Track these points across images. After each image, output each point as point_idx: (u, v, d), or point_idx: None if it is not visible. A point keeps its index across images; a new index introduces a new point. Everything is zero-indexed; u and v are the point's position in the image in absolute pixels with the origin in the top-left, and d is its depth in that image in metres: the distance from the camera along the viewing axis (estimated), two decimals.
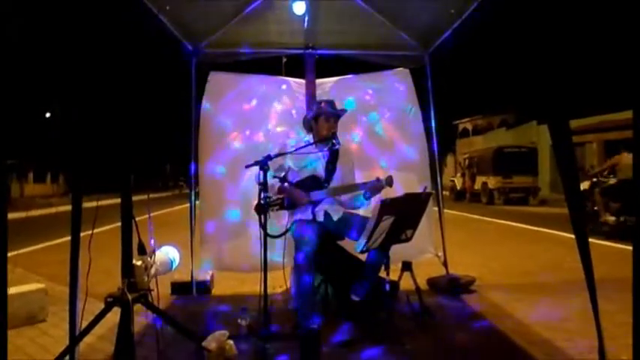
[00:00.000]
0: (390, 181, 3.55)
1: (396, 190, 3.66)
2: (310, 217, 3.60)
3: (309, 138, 3.83)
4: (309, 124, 3.89)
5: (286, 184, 3.65)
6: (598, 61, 22.88)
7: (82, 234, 2.69)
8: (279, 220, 3.74)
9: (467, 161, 24.75)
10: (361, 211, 3.77)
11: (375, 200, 3.49)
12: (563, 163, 2.72)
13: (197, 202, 4.77)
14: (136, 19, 2.92)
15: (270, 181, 3.38)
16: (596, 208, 9.04)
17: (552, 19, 2.62)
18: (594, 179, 9.40)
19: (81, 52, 2.78)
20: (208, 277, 4.89)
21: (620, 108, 20.41)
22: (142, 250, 2.70)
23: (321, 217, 3.63)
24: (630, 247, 6.97)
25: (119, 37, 2.77)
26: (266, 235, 3.15)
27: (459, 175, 25.90)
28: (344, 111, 3.88)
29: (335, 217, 3.68)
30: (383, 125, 4.90)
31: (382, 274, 3.47)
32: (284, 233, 3.56)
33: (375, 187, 3.55)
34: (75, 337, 2.64)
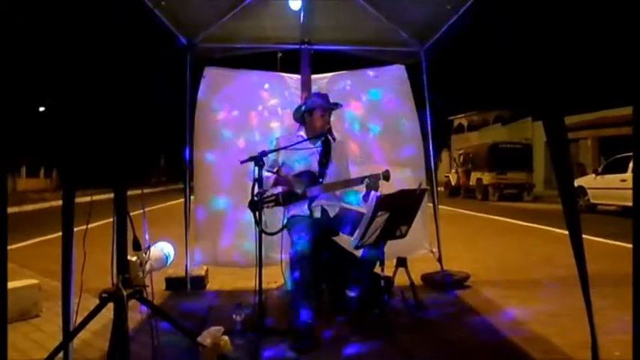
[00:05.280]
0: (387, 175, 3.56)
1: (391, 186, 3.66)
2: (307, 212, 3.57)
3: (302, 133, 3.81)
4: (302, 117, 3.84)
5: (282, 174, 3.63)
6: (593, 57, 22.93)
7: (75, 229, 2.67)
8: (275, 215, 3.73)
9: (462, 157, 24.80)
10: (357, 206, 3.76)
11: (371, 195, 3.49)
12: (557, 160, 2.73)
13: (192, 197, 4.76)
14: (131, 13, 2.90)
15: (265, 175, 3.37)
16: None
17: (548, 15, 2.63)
18: None
19: (75, 46, 2.76)
20: (203, 273, 4.89)
21: (614, 104, 20.50)
22: (137, 246, 2.69)
23: (318, 214, 3.62)
24: (624, 244, 7.06)
25: (113, 31, 2.75)
26: (261, 231, 3.15)
27: (453, 171, 25.94)
28: (338, 105, 3.86)
29: (332, 214, 3.67)
30: (378, 121, 4.89)
31: (377, 269, 3.48)
32: (280, 231, 3.55)
33: (372, 181, 3.55)
34: (69, 333, 2.63)
